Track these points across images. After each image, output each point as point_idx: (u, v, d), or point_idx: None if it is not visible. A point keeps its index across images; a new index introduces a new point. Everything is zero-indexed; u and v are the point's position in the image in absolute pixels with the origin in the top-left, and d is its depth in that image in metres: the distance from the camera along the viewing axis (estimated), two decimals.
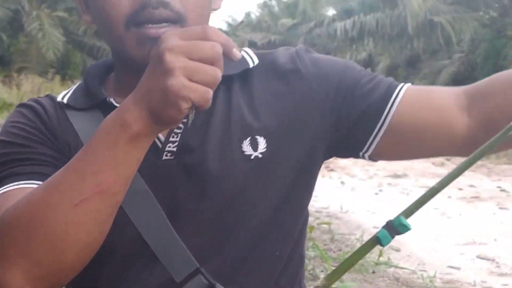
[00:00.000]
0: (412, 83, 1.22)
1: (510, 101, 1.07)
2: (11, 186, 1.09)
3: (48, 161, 1.14)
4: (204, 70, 0.85)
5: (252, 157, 1.13)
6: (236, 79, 1.17)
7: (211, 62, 0.85)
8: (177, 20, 1.05)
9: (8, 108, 11.87)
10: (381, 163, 10.14)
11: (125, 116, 0.91)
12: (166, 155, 1.13)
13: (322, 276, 3.52)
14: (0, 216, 1.01)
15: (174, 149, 1.13)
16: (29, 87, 16.21)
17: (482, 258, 4.38)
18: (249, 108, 1.16)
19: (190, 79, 0.84)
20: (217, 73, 0.85)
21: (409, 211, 0.93)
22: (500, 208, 6.89)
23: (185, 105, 0.85)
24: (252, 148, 1.14)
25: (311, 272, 3.79)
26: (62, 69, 24.57)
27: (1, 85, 16.13)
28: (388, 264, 3.90)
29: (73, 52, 28.67)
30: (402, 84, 1.17)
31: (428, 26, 18.86)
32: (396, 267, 3.90)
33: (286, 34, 31.31)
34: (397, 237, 0.90)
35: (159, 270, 1.12)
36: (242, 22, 39.83)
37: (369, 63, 25.79)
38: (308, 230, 1.34)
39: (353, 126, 1.14)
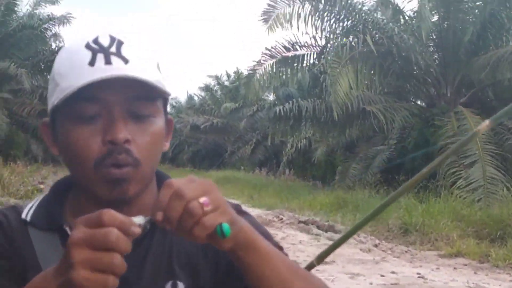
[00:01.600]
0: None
1: None
2: None
3: (3, 274, 1.23)
4: (101, 260, 0.90)
5: None
6: None
7: (110, 248, 0.90)
8: (134, 165, 1.19)
9: None
10: (311, 248, 10.48)
11: (46, 277, 0.99)
12: None
13: None
14: None
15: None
16: None
17: None
18: (176, 253, 1.29)
19: (92, 269, 0.90)
20: (114, 260, 0.89)
21: (322, 256, 1.14)
22: None
23: (87, 274, 0.90)
24: None
25: None
26: (5, 150, 24.32)
27: None
28: None
29: (16, 132, 28.52)
30: None
31: (361, 114, 19.65)
32: None
33: (229, 117, 31.80)
34: None
35: None
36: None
37: (308, 149, 26.50)
38: None
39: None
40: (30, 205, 1.36)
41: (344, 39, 19.30)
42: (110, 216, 0.92)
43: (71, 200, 1.34)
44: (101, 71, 1.14)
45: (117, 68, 1.16)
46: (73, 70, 1.17)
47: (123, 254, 0.91)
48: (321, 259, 1.17)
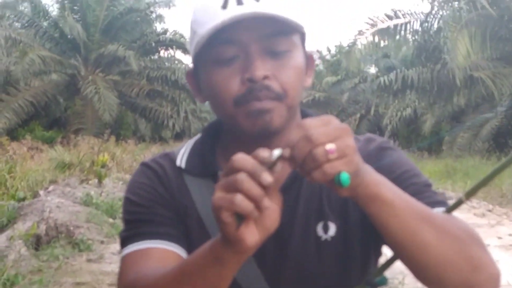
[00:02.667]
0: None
1: None
2: (136, 245, 1.28)
3: (168, 222, 1.30)
4: (230, 200, 0.94)
5: (323, 239, 1.30)
6: None
7: (239, 191, 0.94)
8: (277, 98, 1.21)
9: (69, 168, 12.37)
10: None
11: (214, 238, 1.05)
12: None
13: None
14: (126, 284, 1.23)
15: None
16: (86, 148, 16.81)
17: None
18: (326, 195, 1.31)
19: (224, 190, 0.96)
20: (235, 198, 0.94)
21: (470, 193, 1.08)
22: None
23: (223, 215, 0.95)
24: (324, 231, 1.30)
25: None
26: (115, 130, 25.22)
27: (60, 147, 16.70)
28: None
29: (125, 113, 29.54)
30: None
31: (469, 81, 19.01)
32: None
33: (330, 91, 31.56)
34: None
35: None
36: None
37: (414, 119, 25.86)
38: None
39: None
40: (182, 151, 1.41)
41: (457, 3, 18.59)
42: (239, 161, 0.96)
43: (222, 144, 1.39)
44: (233, 11, 1.17)
45: (248, 7, 1.17)
46: (207, 16, 1.20)
47: (252, 196, 0.94)
48: (469, 195, 1.11)
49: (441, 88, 18.80)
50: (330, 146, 0.93)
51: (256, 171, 0.94)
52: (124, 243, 1.32)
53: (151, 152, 24.82)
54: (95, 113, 24.94)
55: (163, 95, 29.49)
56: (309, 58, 1.34)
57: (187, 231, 1.30)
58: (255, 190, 0.94)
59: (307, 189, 1.32)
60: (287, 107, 1.24)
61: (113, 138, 21.12)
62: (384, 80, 20.83)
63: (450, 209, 1.15)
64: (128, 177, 13.34)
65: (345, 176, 0.94)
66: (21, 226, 6.42)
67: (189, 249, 1.25)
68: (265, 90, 1.19)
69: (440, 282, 1.12)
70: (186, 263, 1.12)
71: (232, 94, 1.21)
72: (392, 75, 20.95)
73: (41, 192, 8.37)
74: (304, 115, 1.39)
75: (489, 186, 12.90)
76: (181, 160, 1.38)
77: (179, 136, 37.53)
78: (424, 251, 1.07)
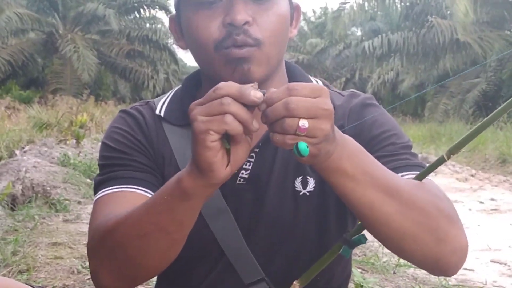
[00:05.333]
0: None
1: None
2: (111, 188, 1.28)
3: (144, 169, 1.30)
4: (216, 121, 0.94)
5: (301, 193, 1.32)
6: None
7: (225, 112, 0.94)
8: (255, 44, 1.20)
9: (47, 128, 12.17)
10: None
11: (181, 172, 1.06)
12: (239, 180, 1.32)
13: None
14: (97, 225, 1.22)
15: (247, 176, 1.32)
16: (64, 108, 16.57)
17: (495, 262, 4.57)
18: None
19: (208, 115, 0.94)
20: (226, 118, 0.93)
21: (452, 151, 1.07)
22: None
23: (209, 138, 0.94)
24: (302, 186, 1.32)
25: None
26: (94, 90, 25.00)
27: (38, 106, 16.45)
28: (407, 265, 4.14)
29: (105, 73, 29.17)
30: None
31: (455, 45, 18.93)
32: (415, 268, 4.17)
33: (316, 57, 31.39)
34: None
35: (228, 271, 1.34)
36: None
37: (396, 83, 25.83)
38: None
39: None
40: (162, 100, 1.41)
41: None
42: (223, 85, 0.95)
43: (202, 94, 1.32)
44: None
45: None
46: None
47: (240, 118, 0.93)
48: (451, 153, 1.08)
49: (426, 52, 18.69)
50: (303, 123, 0.92)
51: (243, 91, 0.93)
52: (98, 187, 1.32)
53: None
54: (73, 72, 24.57)
55: (144, 56, 29.12)
56: (295, 8, 1.33)
57: (164, 180, 1.25)
58: (244, 111, 0.93)
59: None
60: (267, 55, 1.22)
61: (92, 99, 20.98)
62: (369, 45, 20.71)
63: (431, 168, 1.13)
64: None
65: (303, 146, 0.93)
66: None
67: None
68: (243, 34, 1.19)
69: (402, 253, 1.15)
70: (153, 199, 1.11)
71: (212, 38, 1.21)
72: (376, 41, 20.83)
73: (17, 152, 8.16)
74: (290, 70, 1.38)
75: (472, 151, 12.91)
76: (160, 109, 1.38)
77: None
78: (383, 224, 1.08)
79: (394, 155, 1.26)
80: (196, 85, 1.41)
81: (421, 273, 4.10)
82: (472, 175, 10.89)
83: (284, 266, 1.35)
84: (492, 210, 7.62)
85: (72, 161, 8.19)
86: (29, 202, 6.27)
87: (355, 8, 20.63)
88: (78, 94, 22.08)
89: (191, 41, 1.27)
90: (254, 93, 0.93)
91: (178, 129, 1.34)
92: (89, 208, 6.50)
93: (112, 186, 1.29)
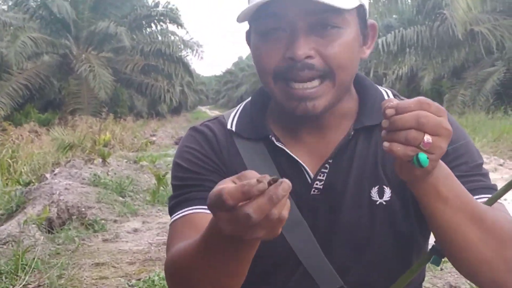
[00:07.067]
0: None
1: None
2: (185, 211, 1.29)
3: None
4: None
5: (378, 202, 1.30)
6: (376, 129, 1.30)
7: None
8: (323, 76, 1.20)
9: (71, 149, 12.25)
10: None
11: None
12: (314, 191, 1.32)
13: None
14: (171, 252, 1.22)
15: (321, 186, 1.31)
16: (85, 128, 16.67)
17: None
18: (381, 159, 1.31)
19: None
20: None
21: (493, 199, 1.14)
22: None
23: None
24: (379, 195, 1.31)
25: None
26: (111, 108, 25.05)
27: (58, 128, 16.55)
28: None
29: (120, 90, 29.28)
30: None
31: (469, 36, 18.79)
32: None
33: None
34: None
35: (306, 279, 1.34)
36: None
37: (412, 77, 25.70)
38: None
39: None
40: (232, 114, 1.41)
41: None
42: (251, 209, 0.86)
43: (271, 109, 1.40)
44: None
45: None
46: None
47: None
48: None
49: (441, 45, 18.58)
50: (428, 139, 0.95)
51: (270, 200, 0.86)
52: (172, 210, 1.33)
53: (150, 128, 24.78)
54: (90, 92, 24.65)
55: (158, 70, 29.23)
56: (370, 27, 1.32)
57: None
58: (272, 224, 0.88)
59: (361, 153, 1.32)
60: (335, 85, 1.22)
61: (111, 117, 21.02)
62: (382, 42, 20.63)
63: (503, 191, 1.14)
64: (131, 154, 13.31)
65: (424, 157, 0.96)
66: (31, 211, 6.30)
67: None
68: (307, 69, 1.18)
69: (474, 277, 1.17)
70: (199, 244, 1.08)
71: (271, 67, 1.22)
72: (390, 37, 20.75)
73: (48, 175, 8.22)
74: (359, 82, 1.38)
75: (497, 140, 12.81)
76: (231, 123, 1.38)
77: (176, 110, 37.33)
78: (464, 249, 1.11)
79: (468, 176, 1.26)
80: (265, 99, 1.42)
81: None
82: (501, 165, 10.79)
83: (362, 274, 1.34)
84: None
85: (102, 180, 8.24)
86: (65, 224, 6.34)
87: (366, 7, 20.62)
88: (97, 113, 22.15)
89: (255, 66, 1.29)
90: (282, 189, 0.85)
91: (249, 143, 1.35)
92: (126, 226, 6.56)
93: (185, 208, 1.30)
